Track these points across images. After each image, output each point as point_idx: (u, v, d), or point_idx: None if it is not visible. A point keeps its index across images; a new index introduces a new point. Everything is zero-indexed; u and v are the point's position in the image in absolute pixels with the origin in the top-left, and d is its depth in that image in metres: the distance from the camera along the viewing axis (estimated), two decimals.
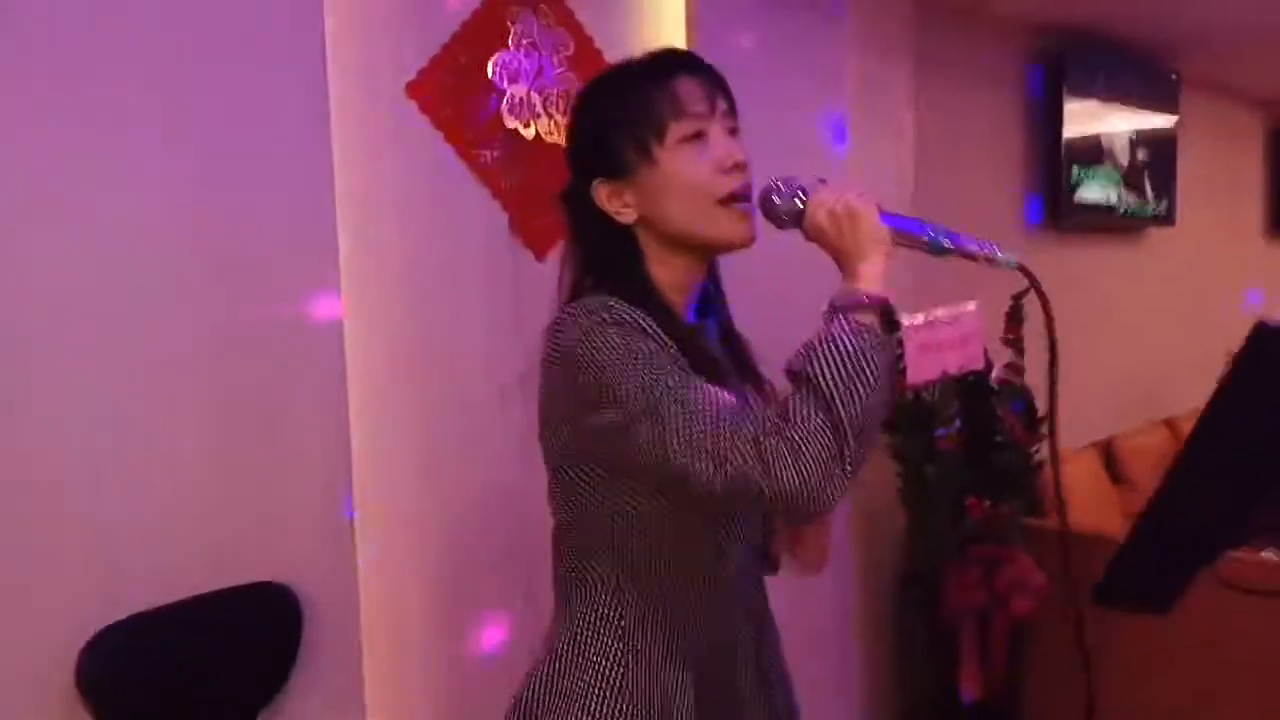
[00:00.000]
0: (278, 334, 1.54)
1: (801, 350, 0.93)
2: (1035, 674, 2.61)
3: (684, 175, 1.01)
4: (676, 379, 0.93)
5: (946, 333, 2.78)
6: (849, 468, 0.89)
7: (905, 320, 2.91)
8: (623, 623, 1.04)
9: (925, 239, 0.99)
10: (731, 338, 1.14)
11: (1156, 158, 3.99)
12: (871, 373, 0.90)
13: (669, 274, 1.05)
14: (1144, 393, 4.14)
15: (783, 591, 1.20)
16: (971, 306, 2.63)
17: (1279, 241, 5.42)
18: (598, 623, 1.04)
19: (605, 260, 1.05)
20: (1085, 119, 3.50)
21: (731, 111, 1.04)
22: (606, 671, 1.03)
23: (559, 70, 1.95)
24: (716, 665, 1.08)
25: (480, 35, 1.82)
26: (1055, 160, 3.42)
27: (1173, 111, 4.04)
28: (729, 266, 1.14)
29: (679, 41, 2.18)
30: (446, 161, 1.78)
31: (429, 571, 1.77)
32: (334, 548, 1.59)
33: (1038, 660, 2.60)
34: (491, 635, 1.85)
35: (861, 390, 0.89)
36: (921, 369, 2.99)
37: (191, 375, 1.45)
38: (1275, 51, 4.00)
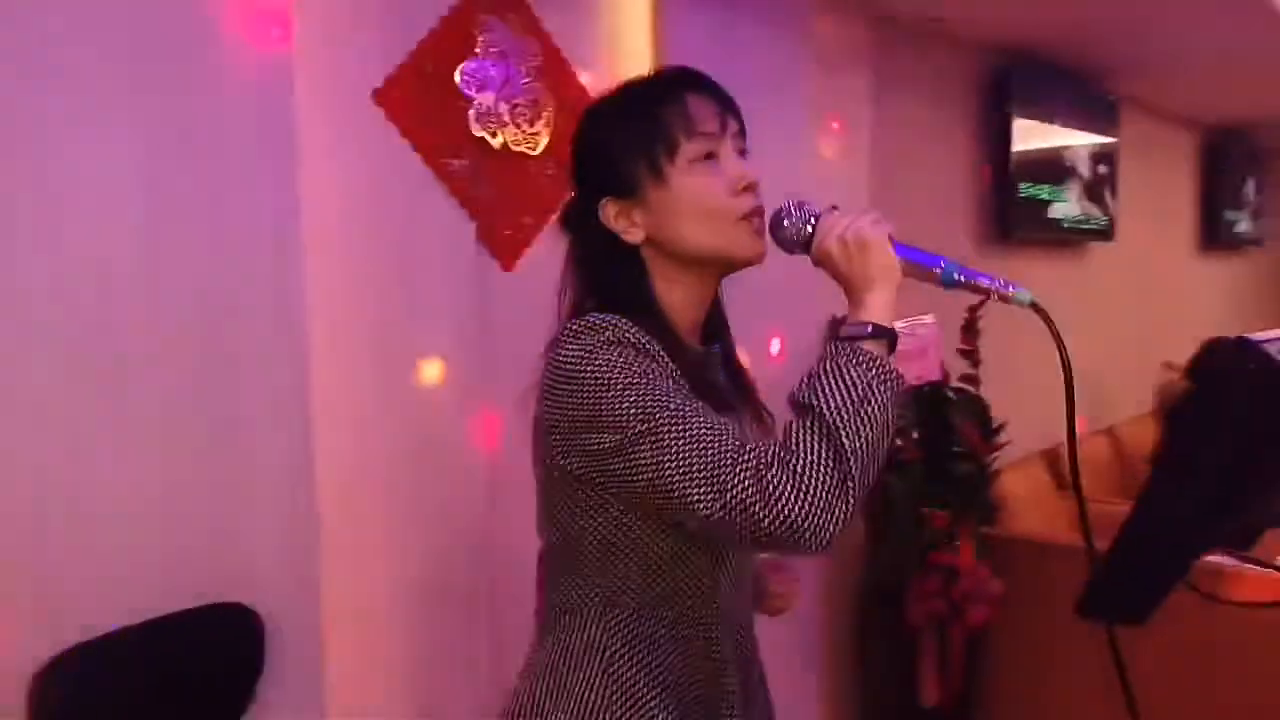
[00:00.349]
0: (238, 344, 1.49)
1: (805, 379, 0.91)
2: (990, 679, 2.67)
3: (698, 195, 0.99)
4: (678, 403, 0.91)
5: (905, 344, 2.84)
6: (852, 501, 0.86)
7: None
8: (608, 652, 1.00)
9: (937, 271, 0.97)
10: (733, 365, 1.12)
11: (1099, 175, 4.12)
12: (877, 405, 0.88)
13: (676, 297, 1.03)
14: (1086, 402, 4.25)
15: None
16: (929, 319, 2.69)
17: (1210, 256, 5.64)
18: (582, 651, 1.00)
19: (611, 281, 1.02)
20: (1033, 136, 3.60)
21: (742, 133, 1.03)
22: (589, 700, 0.99)
23: (526, 80, 1.93)
24: (702, 696, 1.04)
25: (447, 43, 1.79)
26: (1005, 176, 3.51)
27: (1113, 132, 4.18)
28: None
29: (643, 53, 2.19)
30: (413, 170, 1.75)
31: (394, 588, 1.73)
32: (296, 565, 1.54)
33: (993, 666, 2.65)
34: (458, 653, 1.82)
35: (866, 422, 0.87)
36: None
37: (143, 387, 1.39)
38: (1206, 77, 4.18)
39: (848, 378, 0.88)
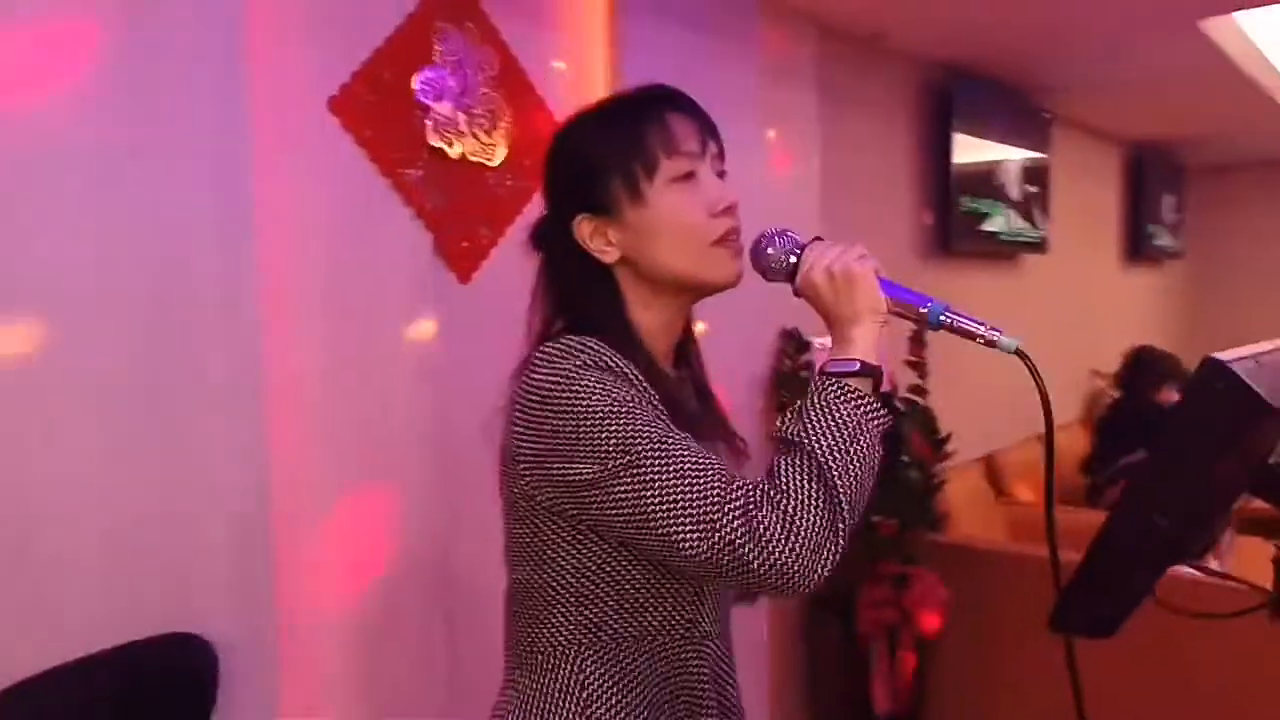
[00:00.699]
0: (190, 358, 1.44)
1: (791, 415, 0.88)
2: (936, 685, 2.71)
3: (677, 216, 0.96)
4: (661, 433, 0.87)
5: None
6: (842, 543, 0.83)
7: (815, 342, 2.98)
8: (583, 693, 0.94)
9: (923, 311, 0.94)
10: (705, 391, 1.08)
11: (1032, 189, 4.24)
12: (866, 444, 0.86)
13: (649, 319, 0.99)
14: (1020, 409, 4.38)
15: None
16: None
17: (1134, 267, 5.86)
18: (556, 693, 0.95)
19: (583, 302, 0.98)
20: (972, 151, 3.69)
21: (721, 155, 1.01)
22: None
23: (483, 90, 1.91)
24: None
25: (404, 51, 1.76)
26: (945, 189, 3.59)
27: (1046, 148, 4.31)
28: None
29: (599, 63, 2.18)
30: (369, 180, 1.71)
31: (349, 615, 1.68)
32: (249, 591, 1.48)
33: (939, 671, 2.70)
34: (415, 687, 1.77)
35: (856, 461, 0.85)
36: None
37: (85, 406, 1.33)
38: (1133, 96, 4.36)
39: (838, 415, 0.86)
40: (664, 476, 0.85)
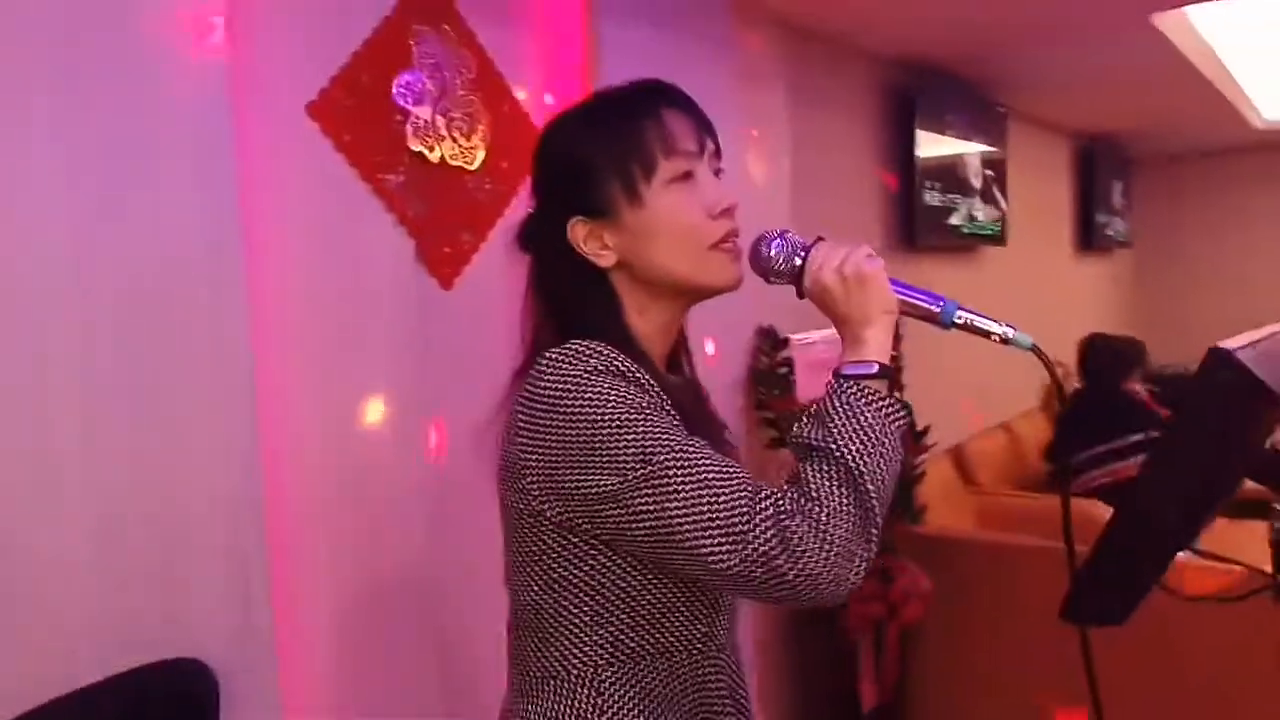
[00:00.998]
0: (177, 369, 1.39)
1: (810, 420, 0.86)
2: (918, 674, 2.75)
3: (675, 218, 0.93)
4: (680, 441, 0.83)
5: (829, 351, 2.92)
6: (873, 548, 0.81)
7: (794, 339, 2.99)
8: (604, 717, 0.90)
9: (935, 310, 0.93)
10: (701, 395, 1.06)
11: (991, 182, 4.32)
12: (891, 445, 0.84)
13: (646, 324, 0.96)
14: (983, 399, 4.45)
15: None
16: None
17: (1086, 257, 6.00)
18: (575, 719, 0.90)
19: (579, 306, 0.94)
20: (934, 146, 3.75)
21: (718, 153, 0.98)
22: None
23: (462, 93, 1.88)
24: None
25: (382, 54, 1.73)
26: (910, 185, 3.64)
27: (1002, 142, 4.39)
28: None
29: (576, 67, 2.16)
30: (350, 186, 1.68)
31: (342, 628, 1.65)
32: (248, 612, 1.44)
33: (920, 660, 2.74)
34: (408, 697, 1.74)
35: (884, 465, 0.83)
36: (810, 386, 3.09)
37: (71, 423, 1.28)
38: (1084, 89, 4.46)
39: (863, 419, 0.84)
40: (687, 487, 0.81)
